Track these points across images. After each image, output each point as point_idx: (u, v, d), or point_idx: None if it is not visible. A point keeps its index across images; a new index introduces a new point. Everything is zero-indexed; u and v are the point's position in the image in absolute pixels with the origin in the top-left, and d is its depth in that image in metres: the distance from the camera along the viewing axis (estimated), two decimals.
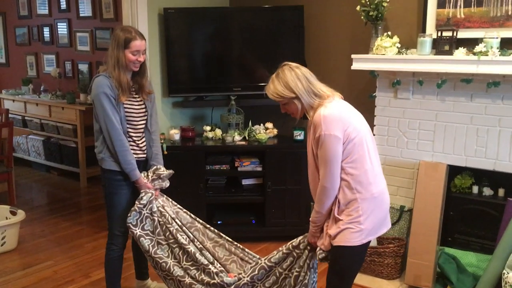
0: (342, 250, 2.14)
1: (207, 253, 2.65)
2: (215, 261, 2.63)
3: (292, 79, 2.18)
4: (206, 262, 2.55)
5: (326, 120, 2.10)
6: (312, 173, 2.28)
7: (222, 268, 2.56)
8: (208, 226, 2.80)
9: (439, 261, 3.15)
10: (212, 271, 2.50)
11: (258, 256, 2.68)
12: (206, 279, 2.50)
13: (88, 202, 5.09)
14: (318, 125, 2.11)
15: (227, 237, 2.77)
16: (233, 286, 2.45)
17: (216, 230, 2.78)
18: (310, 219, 2.29)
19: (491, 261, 2.99)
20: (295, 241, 2.40)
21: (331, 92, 2.23)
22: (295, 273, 2.38)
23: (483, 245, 3.24)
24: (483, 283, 2.99)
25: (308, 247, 2.37)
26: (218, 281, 2.46)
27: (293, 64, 2.25)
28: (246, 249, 2.72)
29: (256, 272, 2.44)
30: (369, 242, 2.21)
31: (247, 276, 2.45)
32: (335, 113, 2.13)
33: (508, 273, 2.83)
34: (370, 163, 2.15)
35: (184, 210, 2.82)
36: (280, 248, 2.44)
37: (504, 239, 2.96)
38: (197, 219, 2.81)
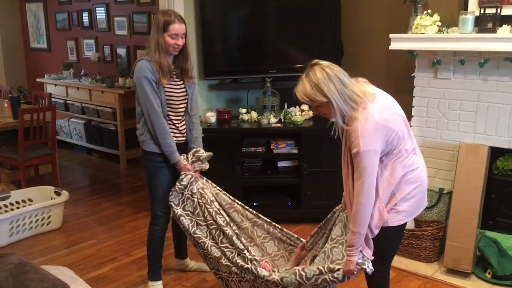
0: (381, 231, 2.12)
1: (243, 238, 2.67)
2: (250, 248, 2.63)
3: (324, 81, 1.99)
4: (242, 246, 2.57)
5: (363, 135, 1.96)
6: (346, 178, 2.15)
7: (256, 257, 2.56)
8: (246, 207, 2.83)
9: (480, 244, 3.09)
10: (247, 257, 2.52)
11: (296, 236, 2.68)
12: (240, 262, 2.52)
13: (128, 183, 5.23)
14: (355, 140, 1.98)
15: (265, 218, 2.79)
16: (263, 278, 2.40)
17: (254, 211, 2.81)
18: (348, 245, 2.07)
19: None
20: (332, 266, 2.18)
21: (364, 92, 2.05)
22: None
23: None
24: None
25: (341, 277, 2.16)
26: (252, 267, 2.48)
27: (324, 63, 2.05)
28: (285, 229, 2.73)
29: (287, 276, 2.31)
30: (406, 223, 2.18)
31: (278, 276, 2.36)
32: (372, 125, 1.98)
33: None
34: (405, 151, 2.09)
35: (224, 192, 2.86)
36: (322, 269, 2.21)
37: None
38: (236, 200, 2.84)
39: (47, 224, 3.92)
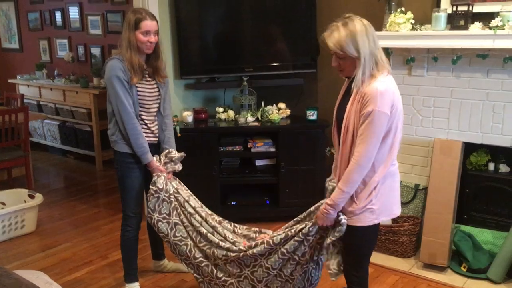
0: (356, 231, 2.12)
1: (219, 230, 2.65)
2: (227, 236, 2.63)
3: (362, 35, 1.96)
4: (217, 240, 2.57)
5: (383, 96, 1.94)
6: (348, 147, 2.07)
7: (236, 240, 2.57)
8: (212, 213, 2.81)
9: (455, 238, 3.13)
10: (225, 247, 2.53)
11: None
12: (222, 256, 2.52)
13: (104, 185, 5.16)
14: (372, 99, 1.94)
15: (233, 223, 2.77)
16: (248, 252, 2.42)
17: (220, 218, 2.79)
18: (330, 201, 2.10)
19: (507, 238, 2.98)
20: (304, 228, 2.26)
21: (388, 65, 2.07)
22: (300, 261, 2.34)
23: (499, 222, 3.22)
24: (499, 260, 2.98)
25: (317, 236, 2.26)
26: (236, 248, 2.48)
27: (364, 20, 2.01)
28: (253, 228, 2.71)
29: (258, 247, 2.40)
30: (379, 223, 2.18)
31: (250, 251, 2.43)
32: (390, 91, 1.98)
33: None
34: (396, 141, 2.09)
35: (194, 196, 2.82)
36: (289, 232, 2.31)
37: None
38: (204, 206, 2.80)
39: (21, 228, 3.83)
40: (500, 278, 2.98)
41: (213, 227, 2.65)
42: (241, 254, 2.45)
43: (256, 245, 2.42)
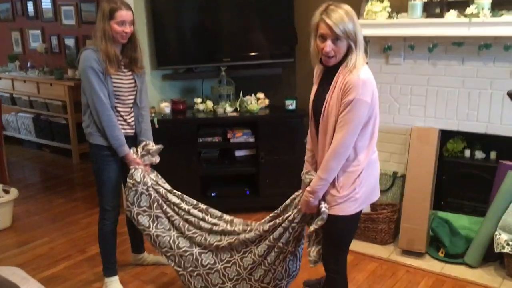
0: (337, 220, 2.13)
1: (209, 217, 2.66)
2: (220, 220, 2.64)
3: (359, 25, 2.00)
4: (209, 226, 2.58)
5: (365, 85, 1.96)
6: (329, 138, 2.07)
7: (226, 228, 2.58)
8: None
9: (432, 225, 3.18)
10: (219, 230, 2.54)
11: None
12: (215, 241, 2.53)
13: (81, 178, 5.07)
14: (354, 87, 1.95)
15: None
16: (241, 236, 2.47)
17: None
18: (310, 188, 2.13)
19: (483, 223, 3.03)
20: (290, 216, 2.30)
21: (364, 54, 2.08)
22: (283, 250, 2.36)
23: (475, 207, 3.28)
24: (475, 245, 3.03)
25: (302, 225, 2.29)
26: (230, 229, 2.53)
27: None
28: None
29: (252, 234, 2.45)
30: (361, 211, 2.20)
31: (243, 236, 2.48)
32: (371, 79, 2.01)
33: (500, 234, 2.87)
34: (376, 129, 2.11)
35: (173, 190, 2.79)
36: (277, 220, 2.36)
37: (496, 202, 2.99)
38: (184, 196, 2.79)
39: None
40: (476, 263, 3.04)
41: (203, 212, 2.67)
42: (234, 238, 2.48)
43: (250, 230, 2.47)
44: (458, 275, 2.98)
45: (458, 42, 3.04)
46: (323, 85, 2.14)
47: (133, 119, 2.80)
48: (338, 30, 1.95)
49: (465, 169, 3.28)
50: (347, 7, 2.00)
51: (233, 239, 2.49)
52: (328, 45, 1.99)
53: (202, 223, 2.61)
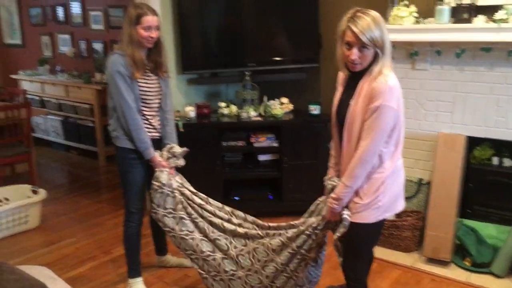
0: (358, 227, 2.11)
1: (234, 219, 2.66)
2: (245, 221, 2.65)
3: (386, 31, 1.97)
4: (233, 227, 2.58)
5: (392, 91, 1.94)
6: (354, 144, 2.06)
7: (249, 231, 2.58)
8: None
9: (458, 233, 3.12)
10: (243, 232, 2.54)
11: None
12: (238, 247, 2.53)
13: (107, 180, 5.16)
14: (380, 93, 1.93)
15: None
16: (265, 240, 2.46)
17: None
18: (335, 195, 2.11)
19: (511, 232, 2.96)
20: (314, 222, 2.28)
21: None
22: (305, 257, 2.34)
23: (503, 216, 3.20)
24: (503, 255, 2.97)
25: (324, 232, 2.28)
26: (254, 232, 2.52)
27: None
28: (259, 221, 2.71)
29: (275, 242, 2.43)
30: (384, 219, 2.17)
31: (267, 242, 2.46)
32: (398, 86, 1.99)
33: None
34: (402, 136, 2.09)
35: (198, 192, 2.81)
36: (302, 228, 2.33)
37: None
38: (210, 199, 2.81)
39: (25, 223, 3.84)
40: (504, 272, 2.97)
41: (228, 214, 2.68)
42: (258, 244, 2.47)
43: (273, 235, 2.44)
44: (484, 285, 2.92)
45: (486, 48, 2.99)
46: (348, 90, 2.13)
47: (158, 122, 2.84)
48: (364, 39, 1.93)
49: (493, 177, 3.21)
50: (374, 13, 1.98)
51: (257, 245, 2.47)
52: (354, 53, 1.98)
53: (226, 224, 2.61)
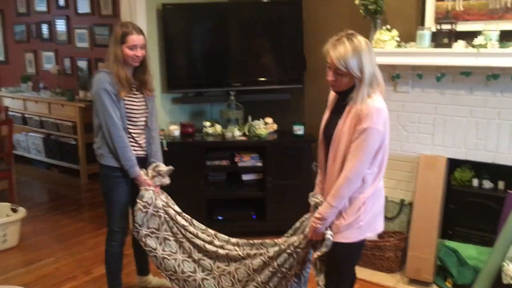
0: (340, 246, 2.12)
1: (217, 239, 2.65)
2: (228, 243, 2.64)
3: (366, 57, 1.96)
4: (215, 249, 2.57)
5: (379, 114, 1.97)
6: (338, 164, 2.07)
7: (234, 249, 2.57)
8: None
9: (440, 254, 3.15)
10: (224, 253, 2.53)
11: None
12: (220, 268, 2.52)
13: (89, 199, 5.09)
14: (368, 116, 1.95)
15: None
16: (247, 261, 2.46)
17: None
18: (318, 215, 2.10)
19: (491, 253, 2.99)
20: (296, 242, 2.29)
21: (382, 85, 2.08)
22: (286, 275, 2.35)
23: (483, 237, 3.24)
24: (483, 276, 2.99)
25: (306, 250, 2.28)
26: (235, 253, 2.51)
27: (365, 39, 2.01)
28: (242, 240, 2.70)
29: (256, 261, 2.43)
30: (365, 239, 2.18)
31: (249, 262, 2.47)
32: (384, 110, 2.00)
33: (508, 265, 2.83)
34: (386, 157, 2.11)
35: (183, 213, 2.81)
36: (283, 246, 2.34)
37: (504, 232, 2.95)
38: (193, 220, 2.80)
39: (3, 242, 3.76)
40: None
41: (211, 237, 2.67)
42: (239, 265, 2.48)
43: (254, 256, 2.44)
44: None
45: (466, 72, 3.07)
46: (337, 109, 2.16)
47: (144, 141, 2.83)
48: (339, 65, 1.97)
49: (473, 198, 3.26)
50: (358, 41, 1.98)
51: (239, 266, 2.47)
52: (330, 75, 2.04)
53: (208, 246, 2.60)
